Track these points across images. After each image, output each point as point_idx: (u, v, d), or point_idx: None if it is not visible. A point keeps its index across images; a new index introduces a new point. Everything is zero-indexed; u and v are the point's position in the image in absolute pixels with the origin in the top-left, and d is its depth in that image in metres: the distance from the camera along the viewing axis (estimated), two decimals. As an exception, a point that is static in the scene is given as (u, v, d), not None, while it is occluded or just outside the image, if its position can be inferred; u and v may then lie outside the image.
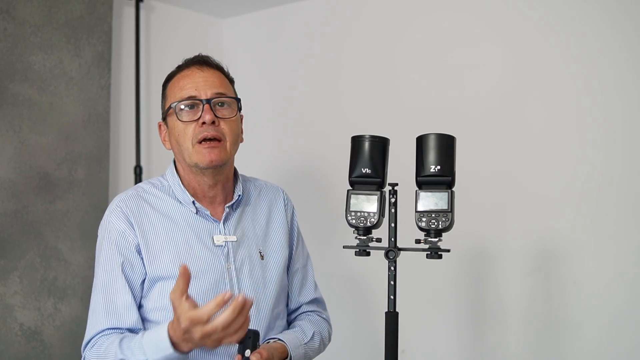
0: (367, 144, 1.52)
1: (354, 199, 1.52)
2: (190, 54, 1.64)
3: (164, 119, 1.58)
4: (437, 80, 2.59)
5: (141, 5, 2.92)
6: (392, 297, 1.51)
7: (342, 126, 2.76)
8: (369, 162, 1.52)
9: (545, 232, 2.32)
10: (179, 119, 1.50)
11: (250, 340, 1.38)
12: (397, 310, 1.51)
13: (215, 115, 1.50)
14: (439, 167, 1.47)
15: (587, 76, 2.25)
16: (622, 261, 2.18)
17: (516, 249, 2.38)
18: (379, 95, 2.76)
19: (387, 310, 1.51)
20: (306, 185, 2.92)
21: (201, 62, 1.57)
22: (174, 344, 1.29)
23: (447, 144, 1.48)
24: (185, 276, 1.26)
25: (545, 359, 2.31)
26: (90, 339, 1.45)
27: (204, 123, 1.48)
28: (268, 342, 1.55)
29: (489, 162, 2.44)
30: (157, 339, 1.31)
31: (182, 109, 1.51)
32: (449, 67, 2.56)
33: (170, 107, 1.52)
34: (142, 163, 2.88)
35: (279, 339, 1.57)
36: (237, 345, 1.39)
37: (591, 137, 2.24)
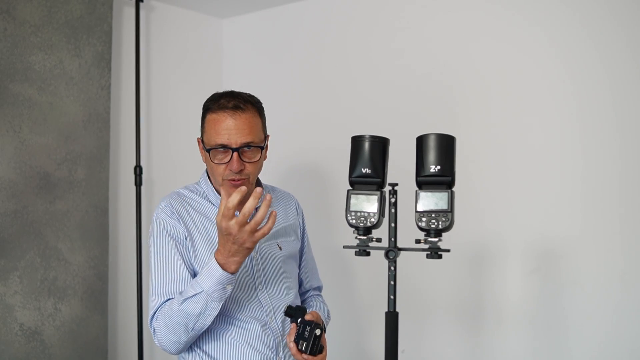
0: (367, 144, 1.53)
1: (354, 199, 1.52)
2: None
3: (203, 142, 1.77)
4: (437, 80, 2.59)
5: (141, 5, 2.92)
6: (392, 297, 1.51)
7: (342, 126, 2.76)
8: (369, 162, 1.52)
9: (545, 232, 2.32)
10: (211, 160, 1.70)
11: (299, 311, 1.66)
12: (397, 310, 1.51)
13: (242, 160, 1.69)
14: (439, 167, 1.47)
15: (589, 74, 2.25)
16: (622, 261, 2.18)
17: (516, 249, 2.38)
18: (379, 95, 2.76)
19: (387, 310, 1.51)
20: (306, 185, 2.92)
21: (235, 107, 1.70)
22: (221, 265, 1.56)
23: (447, 144, 1.48)
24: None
25: (545, 358, 2.31)
26: (155, 311, 1.68)
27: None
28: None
29: (490, 162, 2.45)
30: (207, 269, 1.57)
31: (214, 150, 1.70)
32: (448, 67, 2.56)
33: (206, 148, 1.73)
34: (142, 163, 2.88)
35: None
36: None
37: (592, 138, 2.24)
